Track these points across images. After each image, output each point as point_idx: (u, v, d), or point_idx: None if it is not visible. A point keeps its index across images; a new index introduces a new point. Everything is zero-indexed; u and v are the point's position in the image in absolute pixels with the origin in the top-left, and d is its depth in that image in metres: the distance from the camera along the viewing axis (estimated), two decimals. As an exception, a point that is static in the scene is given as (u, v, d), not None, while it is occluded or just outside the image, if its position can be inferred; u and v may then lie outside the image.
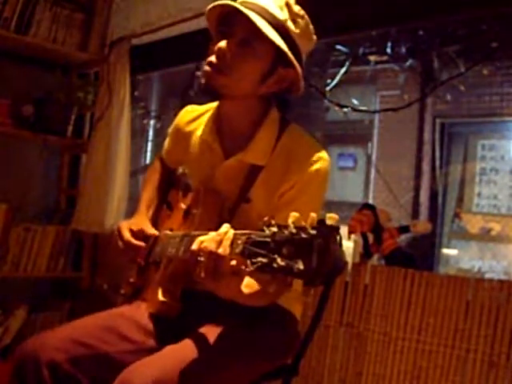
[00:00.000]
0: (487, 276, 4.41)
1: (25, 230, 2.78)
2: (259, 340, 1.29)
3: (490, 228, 5.00)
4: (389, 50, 4.70)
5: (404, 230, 2.31)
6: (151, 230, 1.42)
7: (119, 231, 1.42)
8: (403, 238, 2.46)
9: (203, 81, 1.23)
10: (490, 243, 4.92)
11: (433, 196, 5.30)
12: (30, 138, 2.88)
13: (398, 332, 1.99)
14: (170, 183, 1.58)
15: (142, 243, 1.39)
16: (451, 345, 1.87)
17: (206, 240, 1.00)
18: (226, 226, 1.01)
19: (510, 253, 4.83)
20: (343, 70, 4.71)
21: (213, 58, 1.21)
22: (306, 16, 1.26)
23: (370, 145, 5.98)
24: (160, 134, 5.03)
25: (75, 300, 2.97)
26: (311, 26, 1.28)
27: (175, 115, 1.55)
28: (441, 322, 1.90)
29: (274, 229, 0.88)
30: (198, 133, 1.40)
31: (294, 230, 0.85)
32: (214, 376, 1.16)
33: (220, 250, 0.97)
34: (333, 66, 4.84)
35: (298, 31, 1.23)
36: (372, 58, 4.89)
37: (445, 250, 5.12)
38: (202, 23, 2.38)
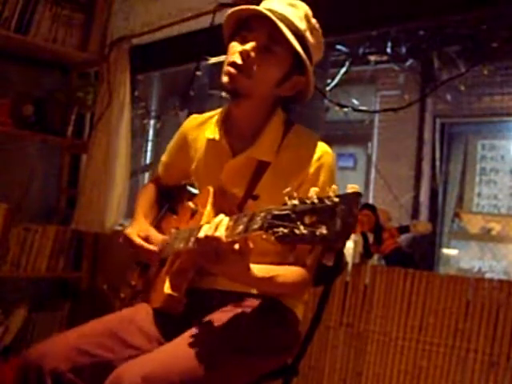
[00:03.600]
0: (487, 276, 4.41)
1: (25, 230, 2.78)
2: (259, 339, 1.29)
3: (490, 228, 5.00)
4: (389, 50, 4.70)
5: (404, 229, 2.31)
6: (158, 237, 1.42)
7: (128, 239, 1.41)
8: (403, 238, 2.46)
9: (226, 80, 1.27)
10: (490, 243, 4.92)
11: (433, 196, 5.30)
12: (29, 138, 2.88)
13: (398, 332, 1.99)
14: (165, 198, 1.59)
15: (154, 247, 1.39)
16: (451, 345, 1.87)
17: (205, 227, 1.10)
18: (221, 215, 1.10)
19: (510, 253, 4.84)
20: (343, 70, 4.71)
21: (237, 59, 1.26)
22: (320, 30, 1.34)
23: (369, 145, 5.98)
24: (160, 134, 5.03)
25: (75, 300, 2.97)
26: (322, 40, 1.35)
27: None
28: (441, 322, 1.90)
29: (295, 201, 0.90)
30: (205, 135, 1.43)
31: (316, 200, 0.88)
32: (208, 374, 1.15)
33: (217, 234, 1.06)
34: (333, 66, 4.85)
35: (313, 42, 1.31)
36: (372, 57, 4.89)
37: (445, 250, 5.12)
38: (202, 23, 2.38)
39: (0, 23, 2.59)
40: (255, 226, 0.97)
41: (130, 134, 2.85)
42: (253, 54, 1.25)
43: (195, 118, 1.52)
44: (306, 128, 1.39)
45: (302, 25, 1.28)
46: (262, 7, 1.26)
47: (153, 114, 4.90)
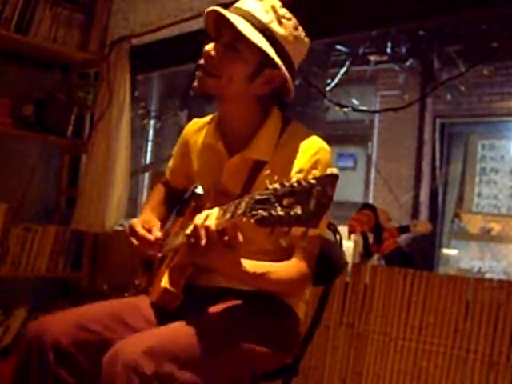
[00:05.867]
0: (487, 276, 4.41)
1: (25, 230, 2.78)
2: (259, 337, 1.28)
3: (490, 228, 4.99)
4: (389, 50, 4.70)
5: (404, 229, 2.31)
6: (158, 233, 1.41)
7: (132, 228, 1.41)
8: (403, 238, 2.46)
9: (195, 84, 1.31)
10: (490, 243, 4.92)
11: (433, 196, 5.30)
12: (30, 138, 2.88)
13: (398, 332, 1.99)
14: (175, 199, 1.61)
15: (156, 236, 1.39)
16: (451, 345, 1.87)
17: (196, 218, 1.12)
18: (214, 209, 1.13)
19: (510, 253, 4.83)
20: (343, 70, 4.72)
21: (201, 61, 1.29)
22: (294, 19, 1.31)
23: (370, 145, 5.98)
24: (160, 134, 5.02)
25: (75, 300, 2.97)
26: (300, 28, 1.32)
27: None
28: (441, 322, 1.90)
29: (276, 185, 0.93)
30: (203, 139, 1.44)
31: (295, 183, 0.91)
32: (207, 358, 1.16)
33: (207, 222, 1.09)
34: (333, 66, 4.85)
35: (283, 32, 1.27)
36: (372, 57, 4.89)
37: (445, 250, 5.12)
38: (201, 23, 2.38)
39: (0, 23, 2.60)
40: (239, 212, 1.00)
41: (129, 134, 2.85)
42: (213, 53, 1.27)
43: (196, 123, 1.54)
44: (303, 125, 1.39)
45: (266, 17, 1.25)
46: (232, 6, 1.28)
47: (153, 114, 4.90)
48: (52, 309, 2.90)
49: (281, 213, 0.90)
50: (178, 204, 1.60)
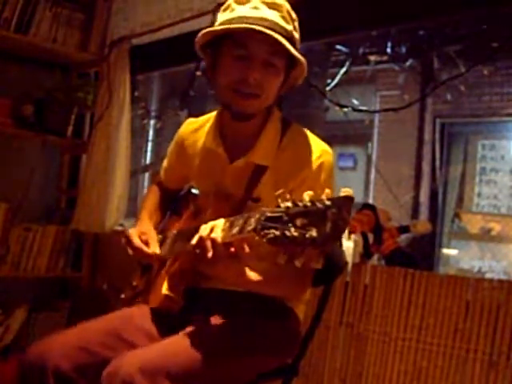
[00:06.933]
0: (487, 276, 4.41)
1: (25, 230, 2.78)
2: (259, 338, 1.29)
3: (490, 228, 5.00)
4: (389, 50, 4.71)
5: (404, 230, 2.31)
6: (154, 247, 1.39)
7: (128, 239, 1.39)
8: (403, 238, 2.46)
9: (244, 110, 1.25)
10: (490, 243, 4.92)
11: (433, 196, 5.31)
12: (30, 138, 2.88)
13: (398, 332, 1.99)
14: (169, 201, 1.59)
15: (152, 250, 1.37)
16: (451, 345, 1.87)
17: (201, 229, 1.12)
18: (219, 220, 1.12)
19: (510, 253, 4.84)
20: (343, 70, 4.72)
21: (251, 90, 1.22)
22: (297, 18, 1.31)
23: (369, 145, 5.99)
24: (160, 134, 5.03)
25: (75, 300, 2.97)
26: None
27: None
28: (441, 322, 1.90)
29: (289, 203, 0.90)
30: (202, 142, 1.41)
31: (308, 203, 0.88)
32: (206, 370, 1.16)
33: (212, 235, 1.08)
34: (333, 66, 4.86)
35: (298, 36, 1.29)
36: (372, 57, 4.90)
37: (445, 250, 5.13)
38: (202, 23, 2.38)
39: (0, 23, 2.60)
40: (249, 228, 0.98)
41: (129, 134, 2.85)
42: (258, 74, 1.21)
43: (191, 123, 1.50)
44: (303, 127, 1.38)
45: (289, 26, 1.24)
46: (250, 17, 1.20)
47: (153, 114, 4.90)
48: (52, 309, 2.91)
49: (295, 233, 0.87)
50: (173, 203, 1.59)
